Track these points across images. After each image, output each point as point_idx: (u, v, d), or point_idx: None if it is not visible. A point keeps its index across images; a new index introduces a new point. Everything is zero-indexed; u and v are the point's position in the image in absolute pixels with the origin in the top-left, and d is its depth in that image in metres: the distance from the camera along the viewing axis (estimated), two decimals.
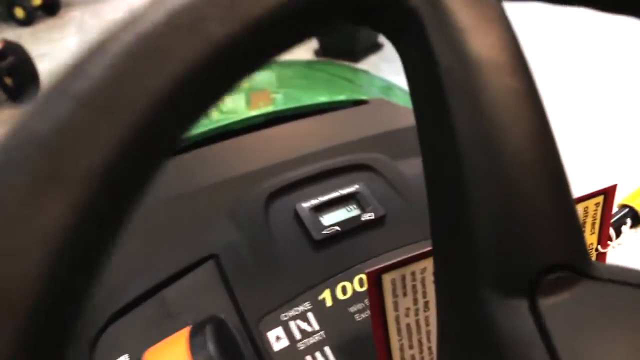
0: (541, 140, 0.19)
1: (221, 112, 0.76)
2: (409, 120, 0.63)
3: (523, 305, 0.18)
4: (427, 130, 0.22)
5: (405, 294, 0.34)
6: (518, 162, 0.19)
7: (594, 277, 0.19)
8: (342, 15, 0.22)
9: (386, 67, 2.90)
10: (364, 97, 0.71)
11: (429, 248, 0.32)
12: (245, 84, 0.84)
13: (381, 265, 0.32)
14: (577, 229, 0.20)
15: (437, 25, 0.21)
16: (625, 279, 0.19)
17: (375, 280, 0.32)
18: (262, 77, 0.94)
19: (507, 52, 0.20)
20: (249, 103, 0.79)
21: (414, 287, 0.34)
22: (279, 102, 0.82)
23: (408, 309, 0.34)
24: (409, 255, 0.33)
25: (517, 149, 0.19)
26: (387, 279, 0.33)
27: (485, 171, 0.19)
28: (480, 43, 0.20)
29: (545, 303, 0.18)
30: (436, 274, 0.23)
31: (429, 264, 0.34)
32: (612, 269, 0.19)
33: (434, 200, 0.22)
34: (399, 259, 0.33)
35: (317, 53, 3.20)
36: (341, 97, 0.74)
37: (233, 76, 0.19)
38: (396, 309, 0.34)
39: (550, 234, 0.19)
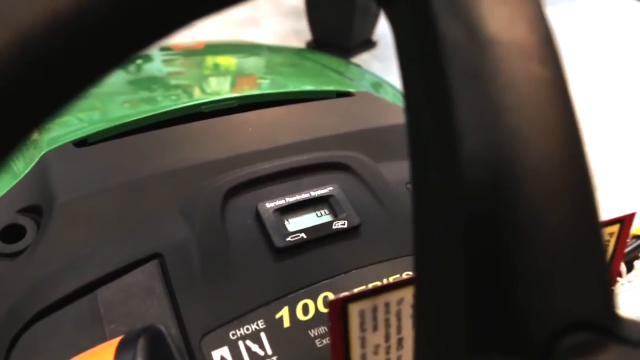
0: (568, 150, 0.15)
1: (203, 92, 0.71)
2: (396, 118, 0.57)
3: None
4: (419, 129, 0.16)
5: (375, 329, 0.28)
6: (534, 175, 0.14)
7: (626, 340, 0.14)
8: None
9: (378, 65, 2.87)
10: (350, 89, 0.65)
11: (408, 275, 0.27)
12: (232, 67, 0.80)
13: (348, 294, 0.26)
14: (605, 273, 0.15)
15: None
16: None
17: (339, 310, 0.26)
18: (250, 62, 0.90)
19: (533, 30, 0.15)
20: (234, 86, 0.74)
21: (386, 320, 0.28)
22: (264, 87, 0.77)
23: (378, 346, 0.28)
24: (384, 283, 0.27)
25: (537, 164, 0.14)
26: (354, 309, 0.27)
27: (493, 187, 0.14)
28: (499, 16, 0.15)
29: None
30: (417, 314, 0.17)
31: (407, 294, 0.28)
32: None
33: (419, 222, 0.17)
34: (370, 286, 0.27)
35: (310, 47, 3.17)
36: (327, 88, 0.68)
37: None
38: (363, 345, 0.28)
39: (571, 282, 0.14)
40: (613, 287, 0.15)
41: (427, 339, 0.17)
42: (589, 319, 0.14)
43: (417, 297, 0.17)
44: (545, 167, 0.14)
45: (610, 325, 0.15)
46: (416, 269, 0.17)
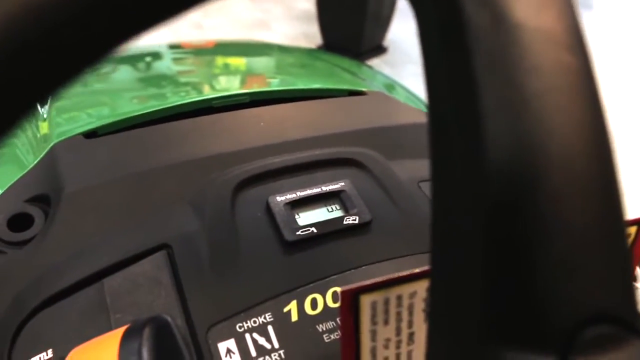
0: (594, 142, 0.14)
1: (213, 89, 0.71)
2: (409, 117, 0.57)
3: None
4: (441, 116, 0.16)
5: (386, 322, 0.27)
6: (559, 165, 0.14)
7: None
8: None
9: (389, 71, 2.87)
10: (362, 89, 0.65)
11: (422, 268, 0.26)
12: (242, 66, 0.80)
13: (360, 284, 0.26)
14: (627, 268, 0.15)
15: None
16: None
17: (350, 301, 0.26)
18: (261, 61, 0.90)
19: (560, 17, 0.15)
20: (244, 85, 0.74)
21: (398, 314, 0.27)
22: (274, 86, 0.77)
23: (388, 339, 0.28)
24: (397, 275, 0.26)
25: (561, 152, 0.14)
26: (366, 301, 0.26)
27: (516, 173, 0.14)
28: (526, 2, 0.15)
29: None
30: (432, 306, 0.17)
31: (420, 287, 0.27)
32: None
33: (438, 209, 0.17)
34: (383, 278, 0.26)
35: (320, 49, 3.17)
36: (339, 87, 0.68)
37: None
38: (374, 339, 0.27)
39: (593, 274, 0.14)
40: (635, 283, 0.15)
41: (441, 331, 0.17)
42: (610, 312, 0.14)
43: (433, 287, 0.17)
44: (569, 155, 0.14)
45: (631, 319, 0.14)
46: (433, 258, 0.17)
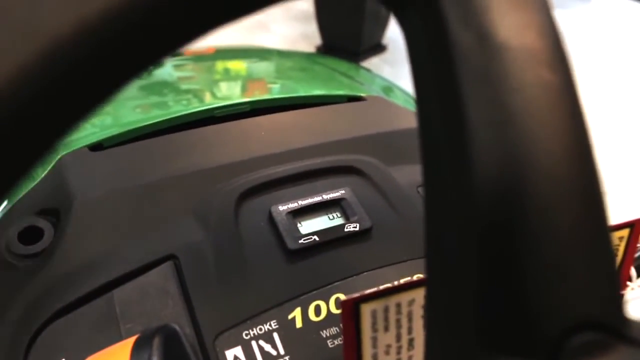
0: (577, 154, 0.15)
1: (214, 97, 0.71)
2: (408, 122, 0.57)
3: None
4: (431, 130, 0.17)
5: (387, 329, 0.28)
6: (544, 179, 0.15)
7: (633, 341, 0.15)
8: None
9: (388, 70, 2.86)
10: (361, 94, 0.66)
11: (419, 277, 0.27)
12: (243, 71, 0.80)
13: (361, 294, 0.27)
14: (612, 274, 0.15)
15: None
16: None
17: (351, 310, 0.27)
18: (260, 66, 0.90)
19: (542, 36, 0.16)
20: (245, 91, 0.74)
21: (397, 321, 0.28)
22: (274, 92, 0.78)
23: (389, 346, 0.29)
24: (396, 284, 0.27)
25: (545, 164, 0.15)
26: (366, 309, 0.27)
27: (501, 188, 0.15)
28: (509, 22, 0.16)
29: None
30: (428, 315, 0.18)
31: (418, 295, 0.28)
32: None
33: (431, 224, 0.17)
34: (382, 287, 0.27)
35: (319, 51, 3.16)
36: (338, 92, 0.68)
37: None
38: (375, 345, 0.28)
39: (579, 281, 0.15)
40: (622, 290, 0.16)
41: (437, 339, 0.17)
42: (597, 319, 0.15)
43: (428, 298, 0.18)
44: (552, 167, 0.15)
45: (618, 325, 0.15)
46: (427, 270, 0.17)
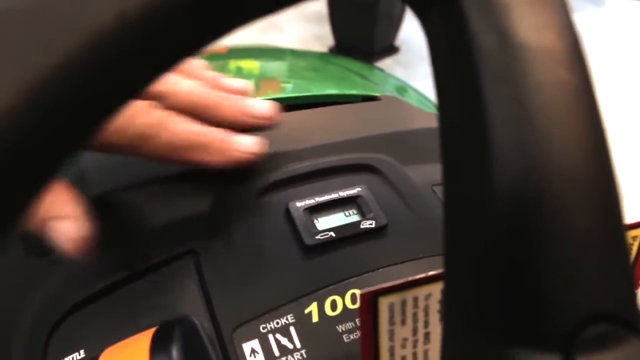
0: (594, 152, 0.15)
1: None
2: (423, 122, 0.58)
3: None
4: (451, 129, 0.17)
5: (404, 322, 0.29)
6: (561, 175, 0.15)
7: None
8: None
9: (401, 71, 2.86)
10: (375, 94, 0.66)
11: (437, 271, 0.28)
12: (256, 70, 0.81)
13: (379, 287, 0.27)
14: (627, 268, 0.16)
15: None
16: None
17: (369, 303, 0.27)
18: (273, 66, 0.90)
19: (560, 37, 0.16)
20: (258, 90, 0.74)
21: (414, 314, 0.29)
22: (288, 91, 0.78)
23: (405, 339, 0.29)
24: (414, 277, 0.28)
25: (563, 161, 0.15)
26: (384, 303, 0.27)
27: (519, 185, 0.15)
28: (528, 22, 0.16)
29: None
30: (445, 308, 0.18)
31: (435, 289, 0.28)
32: None
33: (450, 218, 0.18)
34: (400, 281, 0.27)
35: (332, 52, 3.16)
36: (352, 92, 0.68)
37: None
38: (391, 338, 0.29)
39: (594, 274, 0.15)
40: (636, 287, 0.16)
41: (453, 331, 0.18)
42: (611, 312, 0.15)
43: (445, 291, 0.18)
44: (570, 164, 0.15)
45: (632, 318, 0.15)
46: (445, 264, 0.18)
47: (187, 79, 0.45)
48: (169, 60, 0.16)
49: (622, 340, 0.15)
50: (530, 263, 0.15)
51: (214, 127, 0.43)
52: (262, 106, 0.46)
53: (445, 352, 0.18)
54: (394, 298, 0.28)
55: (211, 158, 0.42)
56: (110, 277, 0.40)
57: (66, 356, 0.36)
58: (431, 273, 0.28)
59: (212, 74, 0.50)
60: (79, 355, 0.36)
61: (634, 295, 0.16)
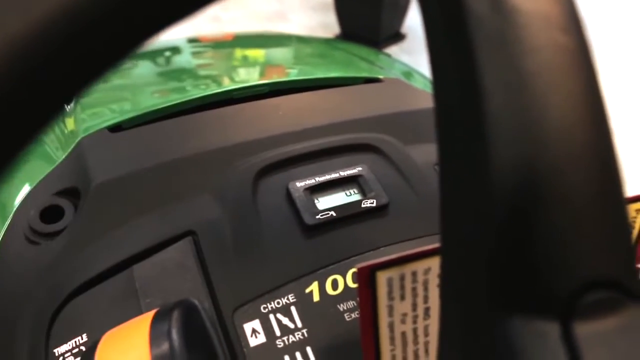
0: (592, 117, 0.15)
1: (232, 80, 0.72)
2: (424, 103, 0.57)
3: (553, 331, 0.14)
4: (445, 98, 0.17)
5: (403, 297, 0.28)
6: (558, 142, 0.15)
7: None
8: None
9: (407, 58, 2.83)
10: (379, 76, 0.65)
11: (435, 245, 0.27)
12: (261, 58, 0.80)
13: (376, 261, 0.27)
14: (626, 237, 0.15)
15: None
16: None
17: (367, 278, 0.27)
18: (279, 52, 0.90)
19: (554, 1, 0.16)
20: (263, 76, 0.74)
21: (414, 289, 0.28)
22: (292, 76, 0.77)
23: (405, 314, 0.29)
24: (412, 251, 0.27)
25: (560, 125, 0.15)
26: (382, 277, 0.27)
27: (515, 151, 0.15)
28: None
29: (583, 331, 0.14)
30: (443, 279, 0.18)
31: (434, 263, 0.28)
32: None
33: (446, 192, 0.17)
34: (398, 255, 0.27)
35: (338, 39, 3.15)
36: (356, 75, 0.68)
37: None
38: (391, 314, 0.28)
39: (593, 240, 0.15)
40: (637, 261, 0.16)
41: (452, 300, 0.17)
42: (610, 278, 0.15)
43: (443, 261, 0.18)
44: (567, 128, 0.15)
45: (630, 285, 0.15)
46: (442, 235, 0.17)
47: None
48: (147, 25, 0.15)
49: (620, 307, 0.14)
50: (528, 229, 0.15)
51: None
52: None
53: (444, 321, 0.18)
54: (393, 272, 0.27)
55: None
56: (110, 261, 0.40)
57: (69, 340, 0.36)
58: (429, 247, 0.28)
59: None
60: (82, 339, 0.36)
61: (633, 263, 0.15)
